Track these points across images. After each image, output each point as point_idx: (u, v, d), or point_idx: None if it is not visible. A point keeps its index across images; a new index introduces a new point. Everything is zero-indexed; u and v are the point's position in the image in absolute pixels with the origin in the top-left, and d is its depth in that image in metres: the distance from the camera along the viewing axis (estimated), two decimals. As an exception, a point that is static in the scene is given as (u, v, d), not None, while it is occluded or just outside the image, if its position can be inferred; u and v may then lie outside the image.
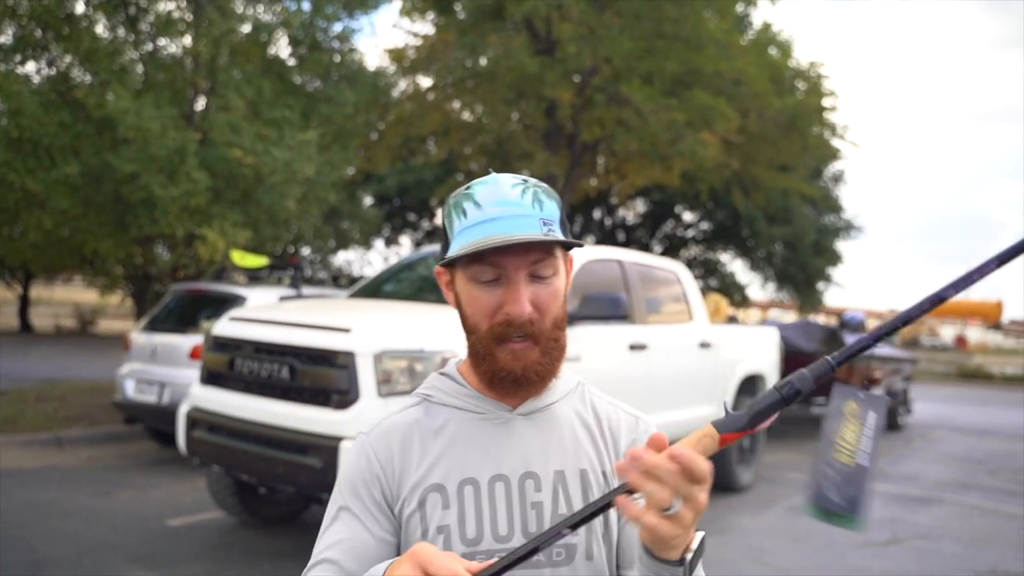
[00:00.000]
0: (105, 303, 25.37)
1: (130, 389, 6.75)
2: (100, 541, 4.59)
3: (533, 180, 1.04)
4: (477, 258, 0.98)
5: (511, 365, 1.01)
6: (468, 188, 1.03)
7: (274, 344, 4.15)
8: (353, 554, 1.00)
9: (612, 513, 1.06)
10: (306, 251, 19.09)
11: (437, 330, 4.08)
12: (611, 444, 1.10)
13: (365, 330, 3.98)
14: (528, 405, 1.07)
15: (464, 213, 1.00)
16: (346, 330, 3.97)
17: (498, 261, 0.99)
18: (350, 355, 3.86)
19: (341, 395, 3.86)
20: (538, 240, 0.96)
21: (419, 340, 3.95)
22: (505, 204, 0.99)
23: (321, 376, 3.94)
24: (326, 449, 3.75)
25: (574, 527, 0.85)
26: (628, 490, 0.82)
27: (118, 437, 7.54)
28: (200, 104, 9.02)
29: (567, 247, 1.03)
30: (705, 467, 0.80)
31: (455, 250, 1.00)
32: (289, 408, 4.00)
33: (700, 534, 0.89)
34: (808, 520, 5.82)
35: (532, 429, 1.06)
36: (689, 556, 0.86)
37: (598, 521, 1.04)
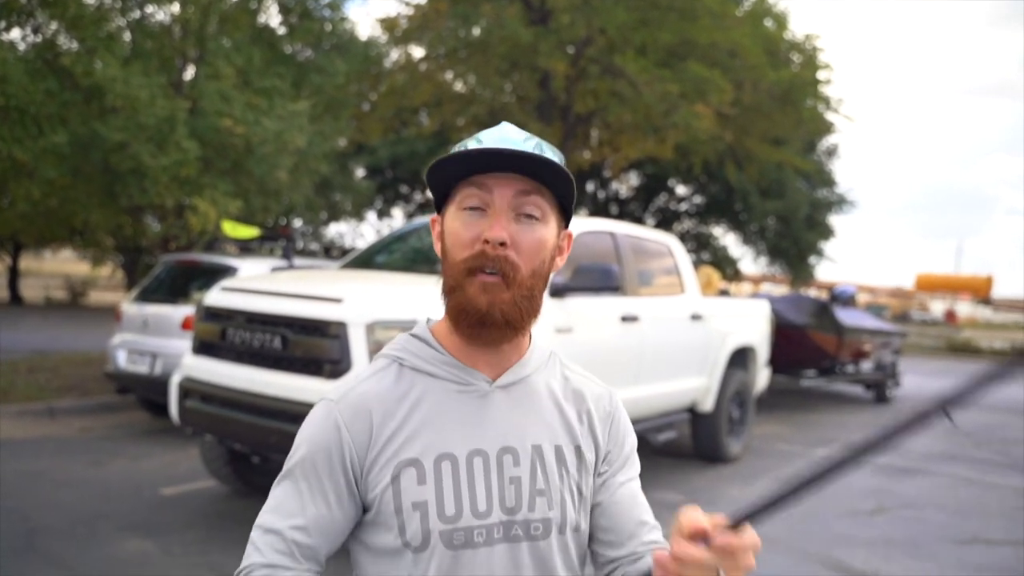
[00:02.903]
0: (96, 275, 25.27)
1: (122, 360, 6.75)
2: (94, 510, 4.61)
3: (535, 137, 1.03)
4: (464, 182, 0.98)
5: (478, 299, 0.97)
6: (478, 132, 1.03)
7: (266, 314, 4.15)
8: (309, 531, 0.98)
9: (583, 487, 1.06)
10: (298, 223, 19.01)
11: (429, 300, 4.08)
12: (585, 418, 1.09)
13: (357, 300, 3.97)
14: (506, 377, 1.04)
15: (466, 147, 1.00)
16: (338, 300, 3.97)
17: (484, 183, 0.97)
18: (342, 325, 3.86)
19: (333, 365, 3.86)
20: (528, 155, 0.94)
21: (411, 310, 3.95)
22: (504, 140, 0.98)
23: (313, 346, 3.94)
24: (318, 418, 3.77)
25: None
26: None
27: (110, 407, 7.55)
28: (189, 73, 8.91)
29: (561, 193, 1.01)
30: (754, 542, 0.83)
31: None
32: (281, 378, 4.00)
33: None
34: (796, 490, 5.90)
35: (510, 402, 1.04)
36: None
37: (573, 494, 1.04)
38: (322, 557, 1.00)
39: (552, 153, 1.00)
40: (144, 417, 7.32)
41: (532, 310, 1.01)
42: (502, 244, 0.96)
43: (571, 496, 1.04)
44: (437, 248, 1.05)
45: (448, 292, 1.01)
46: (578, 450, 1.06)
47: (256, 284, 4.53)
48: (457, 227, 0.99)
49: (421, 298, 4.11)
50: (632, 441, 1.13)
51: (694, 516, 0.83)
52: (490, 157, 0.96)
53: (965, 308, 56.27)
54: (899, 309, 52.94)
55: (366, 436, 0.99)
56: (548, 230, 1.01)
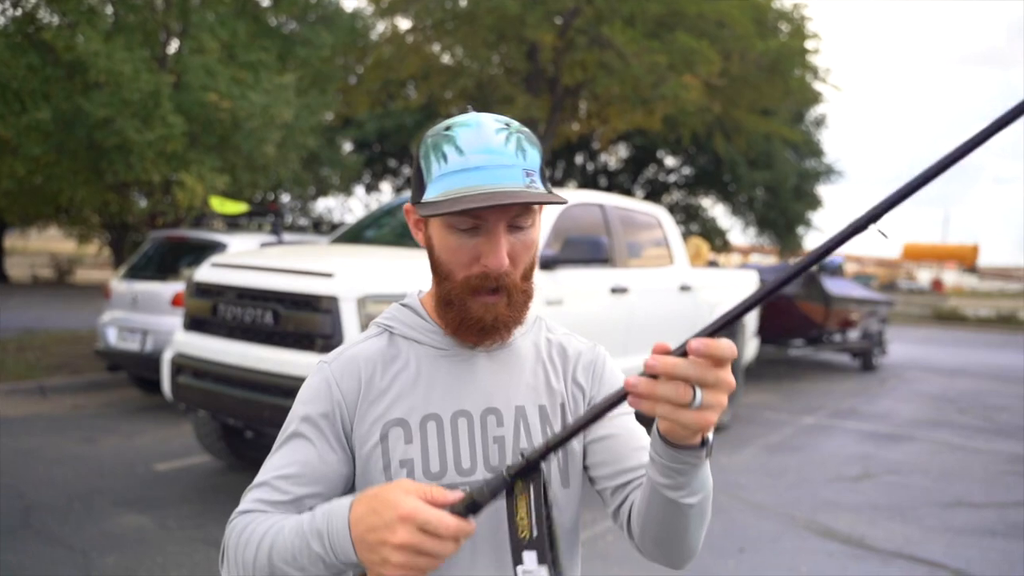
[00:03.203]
0: (82, 253, 25.12)
1: (112, 337, 6.74)
2: (89, 486, 4.64)
3: (515, 124, 1.01)
4: (448, 204, 0.95)
5: (482, 315, 1.01)
6: (448, 129, 0.99)
7: (257, 289, 4.16)
8: (299, 479, 1.01)
9: (574, 443, 1.08)
10: (286, 198, 18.91)
11: (420, 274, 4.10)
12: (569, 374, 1.12)
13: (348, 275, 3.99)
14: (488, 344, 1.07)
15: (444, 157, 0.97)
16: (329, 275, 3.98)
17: (479, 212, 0.97)
18: (333, 299, 3.88)
19: (325, 339, 3.88)
20: (519, 202, 0.93)
21: (402, 284, 3.96)
22: (489, 152, 0.96)
23: (305, 321, 3.96)
24: (311, 392, 3.79)
25: (591, 422, 0.84)
26: (623, 395, 0.80)
27: (101, 385, 7.56)
28: (173, 47, 8.81)
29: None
30: (729, 348, 0.77)
31: (434, 195, 0.96)
32: (273, 353, 4.02)
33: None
34: (782, 457, 5.99)
35: (494, 365, 1.07)
36: (711, 436, 0.87)
37: (556, 453, 1.05)
38: (317, 500, 1.01)
39: (528, 143, 0.99)
40: (135, 394, 7.33)
41: (527, 301, 1.06)
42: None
43: (554, 457, 1.06)
44: (419, 239, 1.07)
45: (448, 305, 1.03)
46: (563, 407, 1.09)
47: (247, 260, 4.54)
48: (452, 245, 1.00)
49: (411, 272, 4.13)
50: (617, 382, 1.14)
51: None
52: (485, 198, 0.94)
53: (952, 277, 56.72)
54: (887, 278, 53.32)
55: (355, 394, 1.04)
56: (535, 228, 1.04)
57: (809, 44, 12.71)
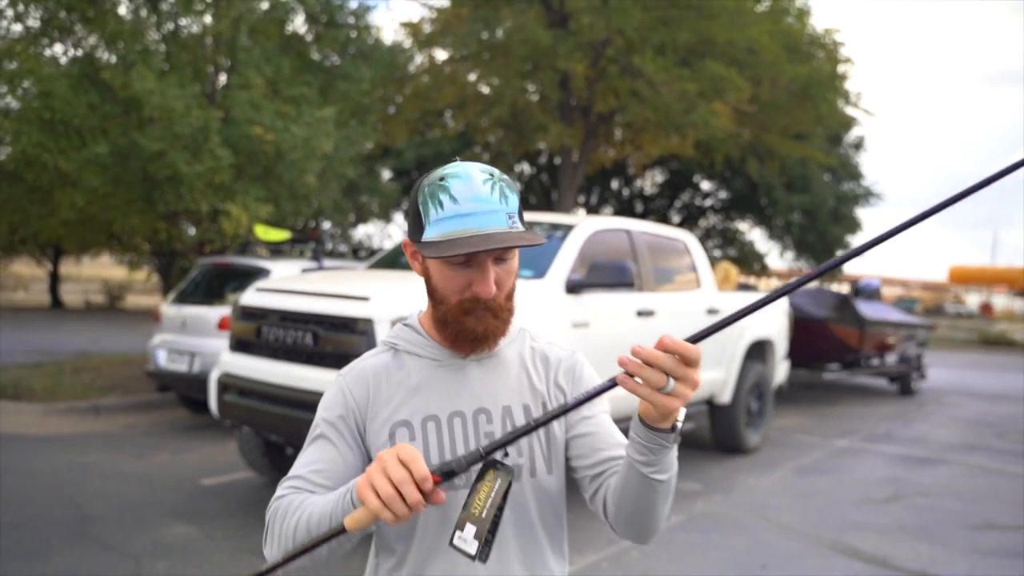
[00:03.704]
0: (132, 279, 25.94)
1: (162, 359, 7.07)
2: (140, 499, 4.91)
3: (498, 173, 1.21)
4: (448, 246, 1.14)
5: (475, 327, 1.21)
6: (443, 180, 1.17)
7: (298, 312, 4.41)
8: (326, 473, 1.21)
9: (557, 431, 1.28)
10: (326, 225, 19.38)
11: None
12: (551, 377, 1.31)
13: (383, 298, 4.21)
14: (477, 353, 1.27)
15: (441, 205, 1.15)
16: (365, 298, 4.21)
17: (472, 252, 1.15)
18: (369, 322, 4.10)
19: (361, 360, 4.10)
20: (505, 246, 1.13)
21: (433, 308, 4.18)
22: (477, 200, 1.15)
23: (342, 342, 4.19)
24: (348, 410, 4.01)
25: (579, 406, 1.05)
26: (614, 383, 1.02)
27: (152, 405, 7.90)
28: (221, 82, 9.25)
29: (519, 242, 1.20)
30: (696, 352, 1.00)
31: (433, 235, 1.15)
32: (313, 372, 4.26)
33: (684, 410, 1.09)
34: (812, 479, 6.08)
35: (483, 372, 1.27)
36: (679, 424, 1.08)
37: (542, 443, 1.25)
38: None
39: (509, 190, 1.19)
40: (183, 414, 7.65)
41: (511, 316, 1.27)
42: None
43: (539, 446, 1.26)
44: (416, 270, 1.27)
45: (445, 323, 1.24)
46: (544, 406, 1.29)
47: (288, 285, 4.80)
48: (447, 275, 1.20)
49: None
50: (593, 383, 1.33)
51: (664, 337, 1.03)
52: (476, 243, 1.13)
53: (1002, 300, 55.38)
54: (932, 302, 52.26)
55: (365, 400, 1.25)
56: (516, 259, 1.25)
57: (841, 68, 12.77)
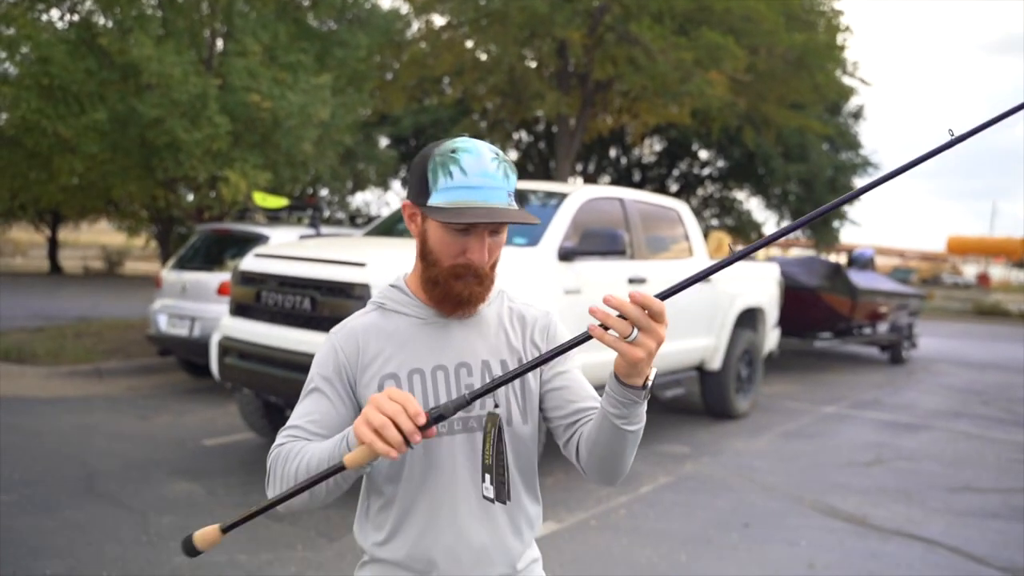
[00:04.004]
0: (130, 245, 25.99)
1: (163, 323, 7.20)
2: (144, 458, 5.07)
3: (502, 154, 1.32)
4: (456, 213, 1.25)
5: (461, 291, 1.32)
6: (454, 152, 1.27)
7: (296, 278, 4.52)
8: (321, 423, 1.32)
9: (532, 384, 1.40)
10: (323, 192, 19.42)
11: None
12: (528, 335, 1.43)
13: (379, 264, 4.32)
14: (461, 314, 1.39)
15: (451, 174, 1.25)
16: (362, 264, 4.32)
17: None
18: (365, 287, 4.22)
19: (358, 324, 4.22)
20: (509, 221, 1.25)
21: (428, 273, 4.29)
22: (485, 175, 1.26)
23: (339, 306, 4.31)
24: (345, 372, 4.15)
25: (554, 357, 1.15)
26: (588, 336, 1.11)
27: (153, 368, 8.04)
28: (218, 49, 9.26)
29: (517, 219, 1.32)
30: (659, 304, 1.10)
31: (440, 201, 1.25)
32: (311, 336, 4.38)
33: (655, 370, 1.21)
34: (798, 443, 6.25)
35: (464, 329, 1.38)
36: (650, 383, 1.19)
37: (517, 395, 1.37)
38: None
39: (510, 170, 1.31)
40: (184, 377, 7.80)
41: (492, 285, 1.38)
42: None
43: (515, 398, 1.38)
44: (412, 231, 1.37)
45: (432, 282, 1.35)
46: (520, 362, 1.40)
47: (287, 251, 4.90)
48: (446, 240, 1.30)
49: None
50: (565, 339, 1.43)
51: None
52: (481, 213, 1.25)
53: (999, 271, 55.52)
54: (929, 272, 52.36)
55: (355, 355, 1.35)
56: (505, 234, 1.36)
57: (840, 38, 12.74)
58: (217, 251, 7.52)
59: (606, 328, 1.11)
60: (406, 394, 1.12)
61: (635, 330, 1.11)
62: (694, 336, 6.48)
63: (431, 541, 1.33)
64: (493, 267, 1.37)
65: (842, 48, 12.76)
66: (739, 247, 1.22)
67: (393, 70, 14.26)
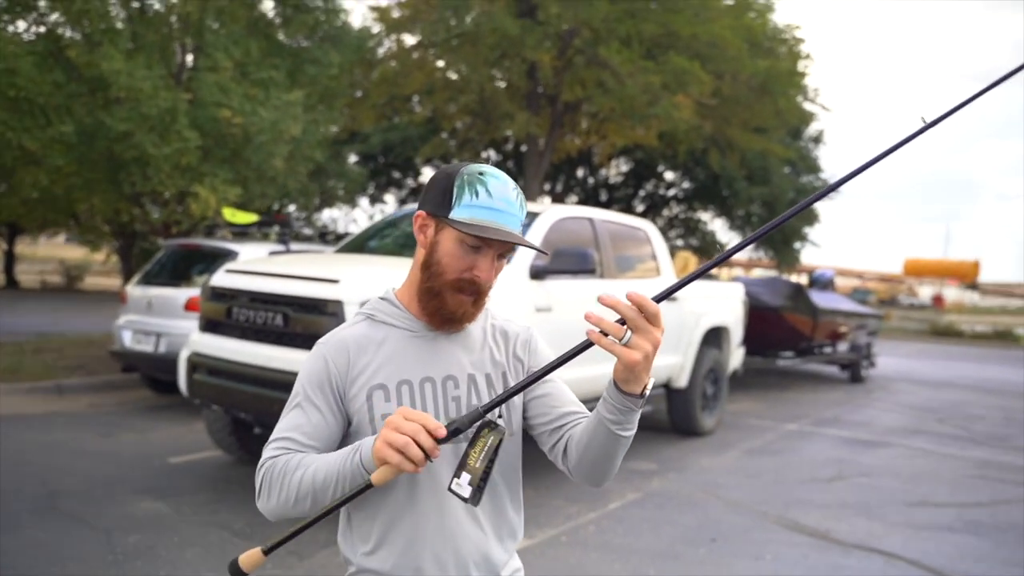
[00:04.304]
0: (89, 260, 25.53)
1: (128, 339, 7.11)
2: (108, 476, 4.99)
3: (518, 187, 1.40)
4: (479, 228, 1.32)
5: (454, 308, 1.38)
6: (482, 175, 1.34)
7: (269, 294, 4.52)
8: (312, 435, 1.35)
9: (516, 400, 1.45)
10: (291, 208, 19.30)
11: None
12: (510, 349, 1.49)
13: (352, 281, 4.34)
14: (449, 330, 1.44)
15: (476, 193, 1.33)
16: (335, 281, 4.34)
17: (490, 241, 1.34)
18: (338, 303, 4.23)
19: (330, 340, 4.23)
20: (521, 243, 1.33)
21: (401, 291, 4.32)
22: (507, 202, 1.34)
23: (312, 323, 4.32)
24: (317, 389, 4.15)
25: (560, 366, 1.22)
26: (589, 343, 1.17)
27: (115, 385, 7.92)
28: (188, 64, 9.22)
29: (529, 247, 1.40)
30: (653, 305, 1.16)
31: (463, 216, 1.32)
32: (283, 352, 4.38)
33: (652, 380, 1.25)
34: (762, 460, 6.36)
35: (451, 343, 1.43)
36: (648, 392, 1.24)
37: (503, 407, 1.41)
38: (317, 453, 1.36)
39: (524, 202, 1.39)
40: (148, 394, 7.69)
41: (483, 307, 1.44)
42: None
43: (503, 410, 1.43)
44: (420, 240, 1.42)
45: (431, 293, 1.39)
46: (504, 376, 1.46)
47: (259, 266, 4.90)
48: (455, 251, 1.36)
49: (410, 279, 4.49)
50: (545, 353, 1.52)
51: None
52: (501, 234, 1.33)
53: (953, 293, 56.92)
54: (887, 294, 53.48)
55: (345, 366, 1.38)
56: (506, 260, 1.42)
57: (801, 65, 13.09)
58: (184, 267, 7.46)
59: (605, 334, 1.16)
60: (422, 413, 1.18)
61: (628, 332, 1.15)
62: (662, 354, 6.56)
63: (419, 549, 1.36)
64: (488, 291, 1.41)
65: (803, 75, 13.10)
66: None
67: (363, 88, 14.29)
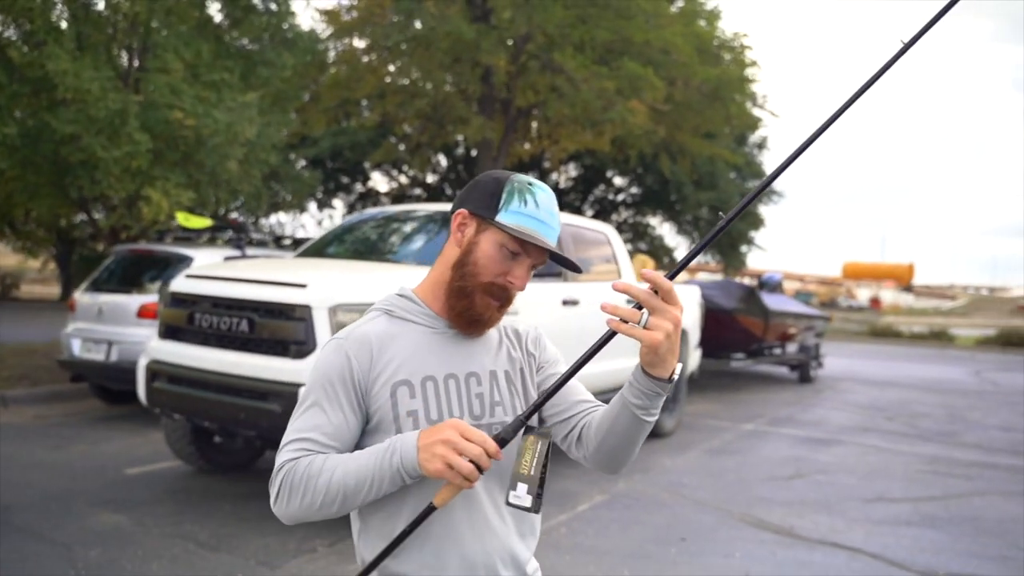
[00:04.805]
0: (23, 267, 24.67)
1: (76, 348, 6.87)
2: (63, 489, 4.81)
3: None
4: (527, 235, 1.34)
5: (481, 311, 1.37)
6: (531, 185, 1.38)
7: (233, 299, 4.42)
8: (334, 435, 1.32)
9: (531, 392, 1.46)
10: (234, 214, 18.92)
11: (387, 285, 4.42)
12: (523, 347, 1.50)
13: (320, 286, 4.28)
14: (470, 333, 1.43)
15: (525, 202, 1.35)
16: (303, 286, 4.26)
17: (529, 250, 1.36)
18: (307, 308, 4.16)
19: (299, 345, 4.16)
20: (557, 254, 1.35)
21: (371, 294, 4.26)
22: (551, 215, 1.38)
23: (279, 328, 4.23)
24: (285, 395, 4.07)
25: (592, 356, 1.23)
26: (613, 333, 1.19)
27: (63, 396, 7.65)
28: (136, 65, 8.97)
29: (563, 262, 1.42)
30: (666, 282, 1.17)
31: (510, 222, 1.33)
32: (249, 359, 4.28)
33: (680, 365, 1.26)
34: (723, 459, 6.46)
35: (470, 341, 1.43)
36: (676, 376, 1.25)
37: (519, 405, 1.43)
38: (336, 453, 1.33)
39: (559, 221, 1.42)
40: (97, 404, 7.45)
41: (502, 316, 1.45)
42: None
43: (521, 405, 1.44)
44: (456, 239, 1.41)
45: (460, 292, 1.38)
46: (521, 372, 1.47)
47: (221, 271, 4.79)
48: (494, 255, 1.36)
49: (379, 284, 4.45)
50: (552, 349, 1.55)
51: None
52: (544, 246, 1.35)
53: (889, 295, 58.86)
54: (827, 296, 54.99)
55: (368, 362, 1.35)
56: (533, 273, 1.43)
57: (748, 72, 13.38)
58: (135, 272, 7.25)
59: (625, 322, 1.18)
60: (480, 434, 1.20)
61: (644, 314, 1.16)
62: (623, 357, 6.61)
63: (445, 550, 1.35)
64: (510, 304, 1.42)
65: (753, 81, 13.39)
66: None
67: (314, 91, 14.11)
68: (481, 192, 1.39)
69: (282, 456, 1.32)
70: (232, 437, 5.26)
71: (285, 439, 1.34)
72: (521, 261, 1.37)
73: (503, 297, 1.38)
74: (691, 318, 7.94)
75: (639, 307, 1.19)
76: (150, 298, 6.75)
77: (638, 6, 11.43)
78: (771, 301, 11.34)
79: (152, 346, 4.85)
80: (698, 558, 4.23)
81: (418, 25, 11.85)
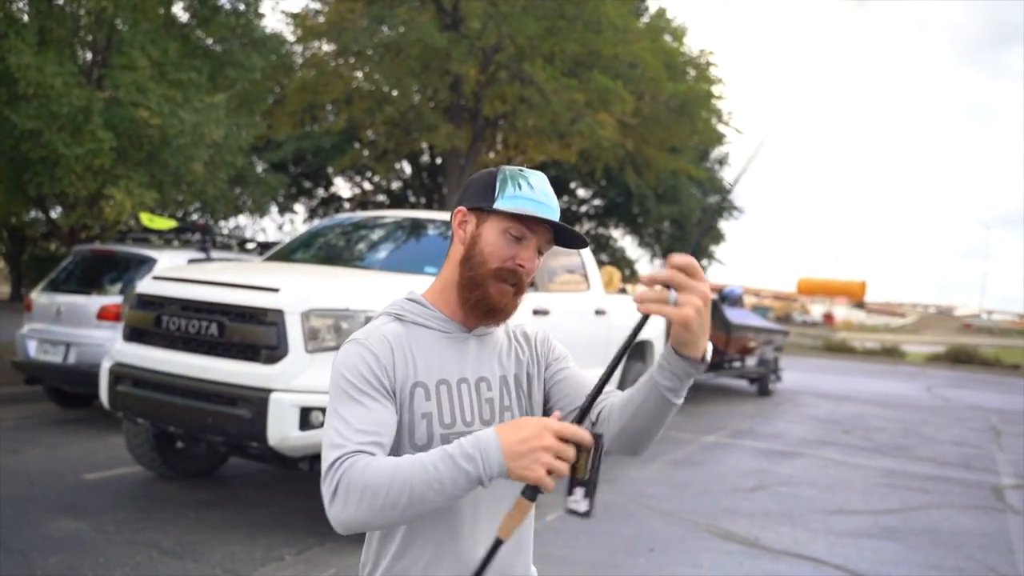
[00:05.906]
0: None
1: (32, 349, 6.68)
2: (19, 494, 4.67)
3: None
4: (519, 219, 1.36)
5: (497, 298, 1.37)
6: (521, 171, 1.40)
7: (203, 302, 4.34)
8: (381, 433, 1.26)
9: (536, 393, 1.47)
10: (194, 216, 18.59)
11: (360, 291, 4.39)
12: (533, 348, 1.50)
13: (293, 290, 4.22)
14: (479, 329, 1.43)
15: (519, 186, 1.37)
16: (275, 289, 4.21)
17: (533, 229, 1.37)
18: (279, 313, 4.11)
19: (270, 350, 4.10)
20: (563, 227, 1.36)
21: (344, 300, 4.24)
22: (546, 196, 1.39)
23: (250, 332, 4.17)
24: (255, 401, 4.01)
25: (631, 343, 1.21)
26: (645, 318, 1.18)
27: (15, 398, 7.43)
28: (98, 61, 8.78)
29: (571, 242, 1.43)
30: (688, 259, 1.16)
31: (508, 207, 1.34)
32: (217, 363, 4.21)
33: (711, 346, 1.26)
34: (687, 471, 6.50)
35: (481, 346, 1.43)
36: (708, 357, 1.24)
37: (524, 404, 1.44)
38: (387, 448, 1.29)
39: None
40: (53, 407, 7.25)
41: (518, 308, 1.44)
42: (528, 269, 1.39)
43: (524, 407, 1.45)
44: (459, 236, 1.41)
45: (470, 282, 1.38)
46: (528, 374, 1.47)
47: (191, 274, 4.71)
48: (498, 241, 1.37)
49: (352, 289, 4.41)
50: (560, 347, 1.55)
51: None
52: (544, 220, 1.37)
53: (842, 311, 60.09)
54: (782, 311, 55.93)
55: (390, 359, 1.32)
56: (541, 259, 1.44)
57: (714, 89, 13.61)
58: (96, 273, 7.08)
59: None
60: (575, 429, 1.16)
61: (672, 292, 1.17)
62: (591, 367, 6.63)
63: (448, 552, 1.34)
64: (524, 290, 1.41)
65: (719, 97, 13.62)
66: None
67: (280, 94, 13.97)
68: (476, 187, 1.41)
69: (331, 455, 1.22)
70: (196, 443, 5.15)
71: (331, 440, 1.24)
72: (527, 244, 1.37)
73: (515, 281, 1.38)
74: (657, 330, 8.01)
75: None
76: (111, 299, 6.60)
77: (607, 20, 11.56)
78: (733, 315, 11.50)
79: (116, 348, 4.74)
80: (667, 568, 4.26)
81: (387, 31, 11.82)
